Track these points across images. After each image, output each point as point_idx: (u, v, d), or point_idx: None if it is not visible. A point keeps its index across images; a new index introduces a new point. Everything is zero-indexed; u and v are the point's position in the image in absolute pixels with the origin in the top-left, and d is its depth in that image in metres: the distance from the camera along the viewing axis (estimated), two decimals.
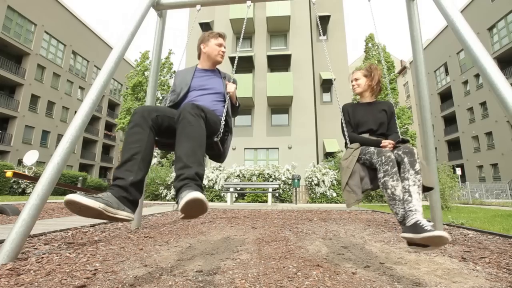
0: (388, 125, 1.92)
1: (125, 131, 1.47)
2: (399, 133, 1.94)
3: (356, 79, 2.05)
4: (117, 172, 1.22)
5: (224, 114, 1.70)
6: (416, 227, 1.26)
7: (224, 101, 1.81)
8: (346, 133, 1.92)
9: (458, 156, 27.45)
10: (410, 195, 1.41)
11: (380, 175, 1.51)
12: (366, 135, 1.87)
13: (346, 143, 1.90)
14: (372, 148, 1.65)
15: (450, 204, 6.85)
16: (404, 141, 1.70)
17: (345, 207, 6.51)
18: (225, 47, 1.99)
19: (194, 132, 1.29)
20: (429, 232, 1.17)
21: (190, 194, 1.02)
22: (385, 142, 1.72)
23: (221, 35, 1.97)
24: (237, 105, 1.93)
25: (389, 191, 1.46)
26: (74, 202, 1.02)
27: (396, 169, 1.48)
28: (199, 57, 2.04)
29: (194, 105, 1.37)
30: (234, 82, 1.95)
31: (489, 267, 1.69)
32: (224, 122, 1.65)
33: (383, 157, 1.51)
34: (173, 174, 10.66)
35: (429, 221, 1.20)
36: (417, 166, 1.46)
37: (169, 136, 1.45)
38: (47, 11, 23.55)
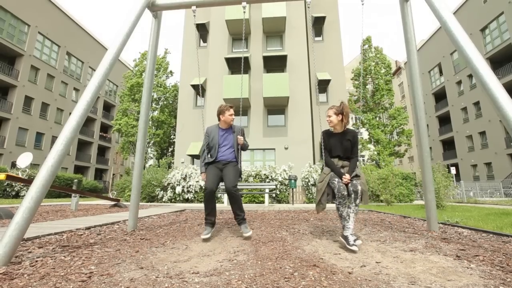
0: (352, 150, 2.67)
1: (204, 194, 2.54)
2: (359, 156, 2.83)
3: (329, 116, 2.74)
4: (207, 216, 2.84)
5: (239, 160, 3.13)
6: (346, 239, 2.25)
7: (237, 149, 3.12)
8: (324, 157, 2.77)
9: (453, 156, 27.73)
10: (349, 217, 2.37)
11: (336, 202, 2.45)
12: (336, 160, 2.69)
13: (322, 166, 2.81)
14: (336, 181, 2.48)
15: (445, 203, 6.91)
16: (357, 176, 2.54)
17: None
18: (234, 114, 3.13)
19: (237, 198, 2.86)
20: (350, 246, 2.18)
21: (248, 231, 2.81)
22: (344, 178, 2.47)
23: (231, 107, 3.12)
24: (244, 145, 3.14)
25: (339, 212, 2.44)
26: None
27: (346, 201, 2.40)
28: (219, 120, 3.15)
29: (231, 184, 2.81)
30: (242, 131, 3.21)
31: (483, 265, 1.72)
32: (240, 167, 3.12)
33: (339, 194, 2.40)
34: (169, 176, 10.67)
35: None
36: (358, 201, 2.38)
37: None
38: (40, 11, 23.27)
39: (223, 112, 3.10)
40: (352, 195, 2.38)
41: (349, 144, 2.66)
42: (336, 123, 2.70)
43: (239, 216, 2.87)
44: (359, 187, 2.38)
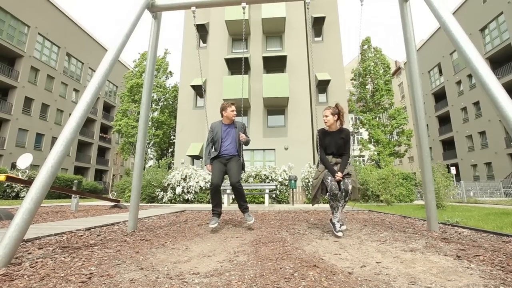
0: (344, 147, 2.94)
1: (209, 191, 3.47)
2: (351, 153, 3.05)
3: (326, 116, 2.97)
4: (214, 208, 3.16)
5: (241, 154, 3.34)
6: (334, 225, 2.79)
7: (238, 143, 3.33)
8: (319, 154, 3.00)
9: (453, 155, 27.73)
10: (337, 209, 2.81)
11: (329, 199, 2.82)
12: (330, 157, 2.96)
13: (318, 163, 3.08)
14: (329, 179, 2.81)
15: (445, 203, 6.90)
16: (349, 174, 2.83)
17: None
18: (236, 111, 3.38)
19: (240, 191, 3.19)
20: (336, 232, 2.72)
21: (251, 218, 3.26)
22: (337, 175, 2.79)
23: (233, 104, 3.37)
24: (246, 141, 3.32)
25: (330, 204, 2.84)
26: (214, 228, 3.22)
27: (336, 197, 2.76)
28: (222, 116, 3.38)
29: (235, 179, 3.10)
30: (244, 126, 3.43)
31: (483, 265, 1.71)
32: (242, 160, 3.36)
33: (331, 192, 2.76)
34: (169, 176, 10.67)
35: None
36: (347, 198, 2.76)
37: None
38: (40, 12, 23.29)
39: (225, 109, 3.33)
40: (343, 193, 2.74)
41: (342, 141, 2.92)
42: (332, 122, 2.96)
43: (242, 205, 3.27)
44: (350, 186, 2.74)
